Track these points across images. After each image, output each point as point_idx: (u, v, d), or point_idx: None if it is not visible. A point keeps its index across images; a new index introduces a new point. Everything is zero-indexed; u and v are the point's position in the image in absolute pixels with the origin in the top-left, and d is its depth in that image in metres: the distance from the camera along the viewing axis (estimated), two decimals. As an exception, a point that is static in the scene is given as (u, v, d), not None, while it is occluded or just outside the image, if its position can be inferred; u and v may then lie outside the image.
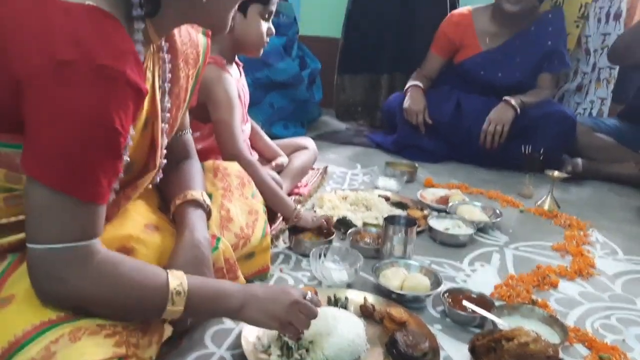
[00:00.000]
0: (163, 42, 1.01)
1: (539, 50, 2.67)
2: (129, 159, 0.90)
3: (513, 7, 2.58)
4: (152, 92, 0.98)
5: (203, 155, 1.66)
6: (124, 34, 0.79)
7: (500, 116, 2.54)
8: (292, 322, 0.98)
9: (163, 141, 1.06)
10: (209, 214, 1.18)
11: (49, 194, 0.75)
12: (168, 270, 0.90)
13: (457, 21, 2.80)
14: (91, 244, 0.80)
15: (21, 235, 0.84)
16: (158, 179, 1.11)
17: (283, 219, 1.64)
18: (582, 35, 2.94)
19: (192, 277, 0.92)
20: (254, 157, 1.74)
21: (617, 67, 2.93)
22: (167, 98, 1.04)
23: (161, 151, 1.05)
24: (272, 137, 2.05)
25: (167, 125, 1.05)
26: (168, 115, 1.05)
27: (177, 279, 0.89)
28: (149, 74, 0.97)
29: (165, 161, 1.09)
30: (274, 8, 1.66)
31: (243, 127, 1.75)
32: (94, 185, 0.78)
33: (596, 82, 2.99)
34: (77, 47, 0.71)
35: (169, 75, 1.03)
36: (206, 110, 1.62)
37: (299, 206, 1.62)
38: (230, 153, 1.59)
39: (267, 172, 1.68)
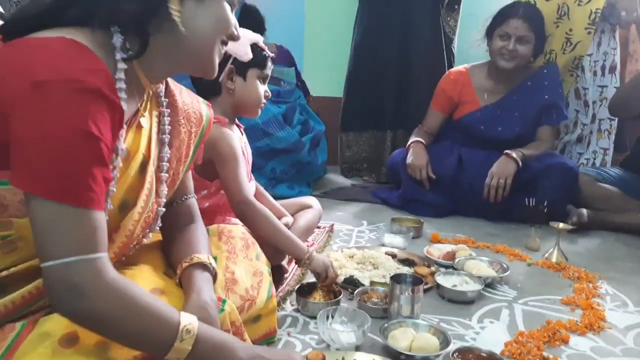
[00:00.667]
0: (163, 97, 1.09)
1: (536, 104, 2.73)
2: (114, 189, 0.94)
3: (508, 64, 2.67)
4: (148, 137, 1.04)
5: (210, 214, 1.71)
6: (95, 57, 0.84)
7: (502, 169, 2.57)
8: None
9: (162, 189, 1.11)
10: (215, 277, 1.19)
11: (47, 206, 0.78)
12: (181, 316, 0.92)
13: (455, 79, 2.88)
14: (102, 258, 0.83)
15: (23, 290, 0.87)
16: (157, 228, 1.14)
17: (295, 262, 1.67)
18: (580, 87, 3.01)
19: (202, 323, 0.95)
20: None
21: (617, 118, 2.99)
22: (166, 149, 1.09)
23: (160, 198, 1.10)
24: (277, 198, 2.08)
25: (166, 175, 1.10)
26: (167, 164, 1.09)
27: (189, 318, 0.92)
28: (146, 116, 1.04)
29: (163, 209, 1.12)
30: (269, 72, 1.78)
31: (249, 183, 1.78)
32: (85, 191, 0.80)
33: (597, 133, 3.04)
34: (52, 68, 0.78)
35: (168, 128, 1.10)
36: (212, 168, 1.66)
37: (311, 248, 1.63)
38: (239, 201, 1.62)
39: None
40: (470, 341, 1.46)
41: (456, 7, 3.36)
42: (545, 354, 1.38)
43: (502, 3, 2.82)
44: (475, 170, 2.68)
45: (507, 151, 2.60)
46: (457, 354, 1.32)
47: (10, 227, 0.87)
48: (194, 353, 0.90)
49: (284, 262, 1.79)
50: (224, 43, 1.05)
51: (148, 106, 1.06)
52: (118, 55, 0.91)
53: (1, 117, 0.78)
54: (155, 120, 1.08)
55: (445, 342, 1.37)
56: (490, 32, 2.74)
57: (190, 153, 1.20)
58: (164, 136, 1.09)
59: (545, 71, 2.79)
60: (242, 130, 1.87)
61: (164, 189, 1.11)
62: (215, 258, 1.27)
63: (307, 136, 3.02)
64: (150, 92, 1.06)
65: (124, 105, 0.90)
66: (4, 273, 0.87)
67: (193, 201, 1.30)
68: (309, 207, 2.12)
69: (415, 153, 2.78)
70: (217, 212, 1.77)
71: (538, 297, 1.78)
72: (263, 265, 1.40)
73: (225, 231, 1.42)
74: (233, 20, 1.03)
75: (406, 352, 1.32)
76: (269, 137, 2.84)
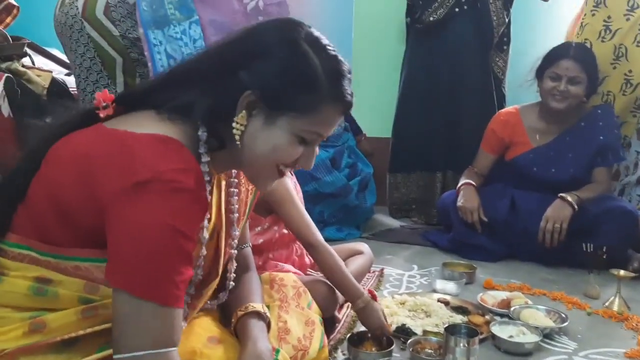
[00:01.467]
0: (233, 178, 1.13)
1: (591, 145, 2.65)
2: (202, 264, 1.01)
3: (559, 104, 2.61)
4: (217, 207, 1.09)
5: (263, 250, 1.74)
6: (189, 154, 0.89)
7: (557, 213, 2.50)
8: None
9: (232, 265, 1.16)
10: (269, 326, 1.20)
11: (132, 301, 0.81)
12: None
13: (505, 120, 2.84)
14: (171, 352, 0.84)
15: (100, 355, 0.90)
16: (224, 299, 1.17)
17: (350, 306, 1.68)
18: None
19: None
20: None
21: None
22: (235, 226, 1.13)
23: (222, 265, 1.13)
24: (326, 240, 2.08)
25: (236, 252, 1.15)
26: (235, 242, 1.13)
27: None
28: (215, 192, 1.08)
29: (232, 284, 1.16)
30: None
31: None
32: (172, 289, 0.83)
33: None
34: (149, 169, 0.82)
35: (236, 207, 1.13)
36: (265, 204, 1.69)
37: (368, 296, 1.61)
38: (307, 241, 1.65)
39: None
40: (530, 397, 1.41)
41: (505, 47, 3.34)
42: (610, 413, 1.32)
43: (551, 42, 2.79)
44: (529, 214, 2.61)
45: (561, 194, 2.54)
46: (516, 411, 1.27)
47: (96, 292, 0.91)
48: None
49: (336, 311, 1.78)
50: (283, 170, 1.02)
51: (218, 181, 1.11)
52: (202, 149, 0.95)
53: (99, 208, 0.84)
54: (223, 190, 1.13)
55: (503, 397, 1.33)
56: (540, 73, 2.70)
57: (247, 209, 1.24)
58: (232, 215, 1.14)
59: (599, 111, 2.71)
60: (291, 172, 1.90)
61: (234, 265, 1.18)
62: (267, 307, 1.28)
63: (355, 179, 3.02)
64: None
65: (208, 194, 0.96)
66: (80, 333, 0.90)
67: (248, 250, 1.32)
68: (360, 252, 2.12)
69: (466, 195, 2.74)
70: (271, 248, 1.79)
71: (600, 349, 1.70)
72: (315, 314, 1.41)
73: (277, 279, 1.45)
74: (296, 153, 0.98)
75: (463, 408, 1.28)
76: (317, 182, 2.87)
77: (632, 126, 2.90)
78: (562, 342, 1.75)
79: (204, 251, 1.02)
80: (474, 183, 2.80)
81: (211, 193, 1.06)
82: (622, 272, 2.05)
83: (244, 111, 0.94)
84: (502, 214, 2.68)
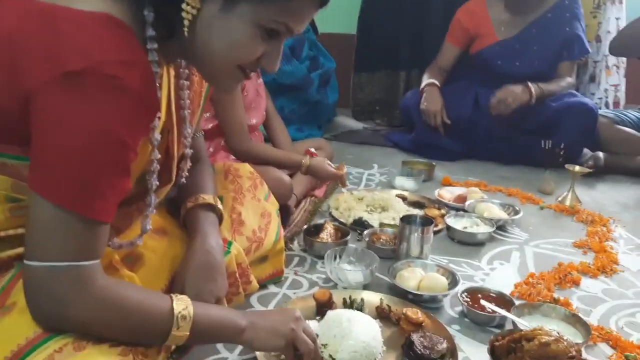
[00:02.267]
0: (182, 68, 0.98)
1: (557, 38, 2.62)
2: (157, 166, 0.90)
3: None
4: (167, 103, 0.96)
5: (214, 135, 1.71)
6: (136, 43, 0.76)
7: (512, 92, 2.51)
8: (297, 339, 0.94)
9: (184, 164, 1.07)
10: (220, 218, 1.16)
11: (53, 210, 0.72)
12: (173, 295, 0.85)
13: (472, 10, 2.77)
14: (93, 266, 0.76)
15: (15, 251, 0.84)
16: (172, 194, 1.11)
17: (308, 201, 1.77)
18: (596, 22, 2.90)
19: (197, 303, 0.87)
20: None
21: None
22: (187, 124, 1.01)
23: (177, 167, 1.04)
24: (286, 140, 2.05)
25: (189, 150, 1.05)
26: (189, 140, 1.03)
27: (183, 303, 0.84)
28: (164, 85, 0.95)
29: (183, 180, 1.08)
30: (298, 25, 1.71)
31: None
32: (101, 203, 0.75)
33: (605, 70, 2.94)
34: (85, 57, 0.69)
35: (188, 102, 1.00)
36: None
37: (307, 157, 1.71)
38: (231, 147, 1.71)
39: None
40: (480, 282, 1.44)
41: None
42: (555, 295, 1.36)
43: None
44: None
45: (527, 82, 2.52)
46: (465, 293, 1.30)
47: (26, 192, 0.80)
48: (193, 335, 0.84)
49: (291, 203, 1.76)
50: (247, 70, 0.88)
51: (166, 72, 0.96)
52: (149, 32, 0.79)
53: (24, 97, 0.71)
54: (172, 83, 0.98)
55: (453, 282, 1.36)
56: None
57: (202, 101, 1.13)
58: (184, 112, 1.00)
59: (566, 2, 2.64)
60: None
61: (188, 164, 1.08)
62: (221, 198, 1.24)
63: (316, 72, 2.90)
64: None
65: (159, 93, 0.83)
66: (11, 232, 0.83)
67: (201, 139, 1.25)
68: (319, 149, 2.09)
69: (429, 97, 2.69)
70: (219, 135, 1.74)
71: (550, 240, 1.75)
72: (271, 205, 1.38)
73: (232, 169, 1.38)
74: (257, 50, 0.84)
75: (414, 291, 1.30)
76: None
77: (594, 31, 2.87)
78: (514, 234, 1.78)
79: (156, 154, 0.88)
80: (437, 83, 2.75)
81: (160, 87, 0.92)
82: (577, 168, 2.08)
83: None
84: (466, 112, 2.66)
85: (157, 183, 0.91)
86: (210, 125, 1.68)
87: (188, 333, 0.83)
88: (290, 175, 1.83)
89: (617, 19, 2.91)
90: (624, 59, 2.92)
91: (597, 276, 1.50)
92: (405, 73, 3.33)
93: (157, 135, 0.87)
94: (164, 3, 0.79)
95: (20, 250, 0.83)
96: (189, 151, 1.06)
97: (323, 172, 1.72)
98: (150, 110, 0.79)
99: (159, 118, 0.88)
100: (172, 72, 0.97)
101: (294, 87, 2.79)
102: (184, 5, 0.78)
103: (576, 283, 1.45)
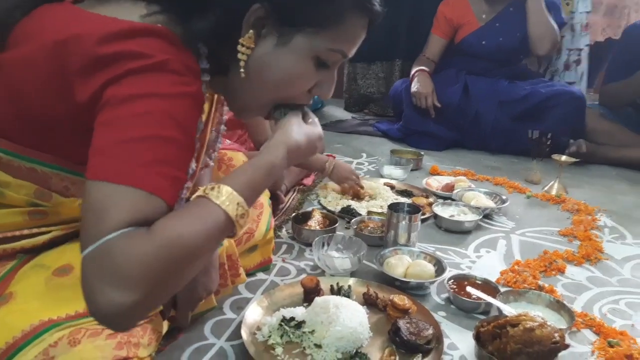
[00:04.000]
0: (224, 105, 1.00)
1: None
2: (187, 193, 0.82)
3: None
4: (206, 120, 0.95)
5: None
6: (193, 59, 0.73)
7: None
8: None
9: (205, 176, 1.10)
10: None
11: (111, 186, 0.63)
12: (211, 196, 0.70)
13: (453, 2, 2.81)
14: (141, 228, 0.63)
15: (35, 240, 0.84)
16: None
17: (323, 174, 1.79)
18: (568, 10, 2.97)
19: (235, 179, 0.73)
20: None
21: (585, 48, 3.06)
22: (219, 139, 1.04)
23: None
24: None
25: (212, 163, 1.09)
26: (215, 154, 1.07)
27: (232, 203, 0.70)
28: (206, 106, 0.95)
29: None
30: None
31: None
32: (163, 181, 0.66)
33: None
34: (154, 57, 0.67)
35: (225, 118, 1.03)
36: None
37: (330, 159, 1.70)
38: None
39: None
40: (466, 269, 1.45)
41: None
42: (540, 282, 1.38)
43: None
44: (481, 97, 2.64)
45: None
46: (452, 281, 1.31)
47: (48, 199, 0.81)
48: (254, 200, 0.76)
49: (281, 192, 1.76)
50: (276, 108, 0.85)
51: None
52: (203, 64, 0.77)
53: (75, 108, 0.68)
54: (215, 101, 0.98)
55: (440, 269, 1.36)
56: None
57: None
58: (221, 127, 1.03)
59: None
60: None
61: (209, 177, 1.11)
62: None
63: None
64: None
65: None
66: (25, 232, 0.82)
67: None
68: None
69: (420, 81, 2.71)
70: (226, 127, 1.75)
71: (536, 228, 1.76)
72: (264, 195, 1.37)
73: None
74: (312, 80, 0.82)
75: (401, 278, 1.31)
76: None
77: (565, 9, 2.90)
78: (501, 222, 1.80)
79: (193, 165, 0.79)
80: (427, 69, 2.77)
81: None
82: (563, 158, 2.10)
83: (251, 30, 0.76)
84: (455, 98, 2.68)
85: (187, 193, 0.83)
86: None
87: (248, 219, 0.74)
88: None
89: (587, 12, 2.97)
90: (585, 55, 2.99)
91: (582, 264, 1.52)
92: (401, 63, 3.32)
93: (194, 165, 0.81)
94: (217, 41, 0.77)
95: (24, 242, 0.83)
96: (210, 162, 1.07)
97: (346, 173, 1.75)
98: (201, 111, 0.75)
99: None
100: (216, 95, 0.98)
101: None
102: (239, 47, 0.76)
103: (561, 270, 1.47)
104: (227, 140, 1.70)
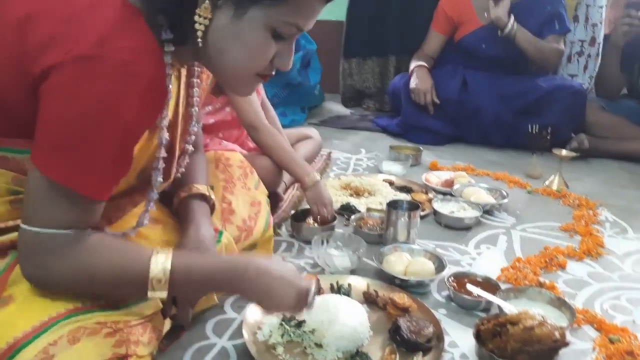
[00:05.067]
0: (196, 67, 0.98)
1: (538, 18, 2.62)
2: (163, 164, 0.89)
3: None
4: (175, 100, 0.95)
5: (214, 130, 1.68)
6: (150, 33, 0.76)
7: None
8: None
9: (182, 160, 1.05)
10: (213, 208, 1.16)
11: (51, 185, 0.73)
12: (154, 252, 0.82)
13: None
14: (81, 232, 0.78)
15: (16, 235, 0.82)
16: (166, 188, 1.10)
17: (301, 186, 1.64)
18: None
19: (184, 256, 0.85)
20: None
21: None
22: (194, 121, 1.01)
23: (177, 165, 1.03)
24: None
25: (190, 147, 1.04)
26: (193, 137, 1.03)
27: (160, 264, 0.81)
28: (174, 83, 0.94)
29: (179, 176, 1.07)
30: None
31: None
32: (99, 182, 0.76)
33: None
34: (100, 42, 0.69)
35: (197, 100, 1.00)
36: (217, 86, 1.61)
37: (317, 175, 1.60)
38: (249, 122, 1.60)
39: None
40: (467, 266, 1.45)
41: None
42: (541, 279, 1.37)
43: None
44: (480, 92, 2.62)
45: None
46: (452, 278, 1.31)
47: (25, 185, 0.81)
48: (174, 292, 0.83)
49: (280, 190, 1.75)
50: (262, 77, 0.88)
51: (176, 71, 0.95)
52: (165, 35, 0.79)
53: (32, 85, 0.72)
54: (183, 82, 0.97)
55: (440, 267, 1.36)
56: None
57: (203, 98, 1.12)
58: (193, 109, 1.00)
59: None
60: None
61: (185, 161, 1.06)
62: (211, 187, 1.23)
63: (297, 54, 2.88)
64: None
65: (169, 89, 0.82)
66: (10, 223, 0.83)
67: (199, 131, 1.24)
68: (308, 137, 2.07)
69: (419, 77, 2.69)
70: (222, 127, 1.73)
71: (537, 223, 1.76)
72: (261, 194, 1.36)
73: (222, 159, 1.37)
74: (270, 51, 0.83)
75: (401, 277, 1.30)
76: None
77: (572, 11, 2.87)
78: (501, 218, 1.79)
79: (163, 152, 0.88)
80: (426, 65, 2.75)
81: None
82: (564, 152, 2.09)
83: (207, 1, 0.77)
84: (454, 94, 2.66)
85: (161, 180, 0.91)
86: (211, 121, 1.67)
87: (166, 293, 0.82)
88: None
89: (600, 7, 2.92)
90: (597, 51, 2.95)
91: (583, 259, 1.52)
92: (395, 58, 3.31)
93: (166, 134, 0.87)
94: (175, 11, 0.78)
95: (12, 236, 0.83)
96: (189, 147, 1.05)
97: (322, 199, 1.57)
98: (160, 99, 0.79)
99: (166, 116, 0.87)
100: (183, 71, 0.97)
101: None
102: (196, 17, 0.78)
103: (562, 267, 1.46)
104: (224, 142, 1.70)
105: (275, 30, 0.81)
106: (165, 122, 0.87)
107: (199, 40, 0.79)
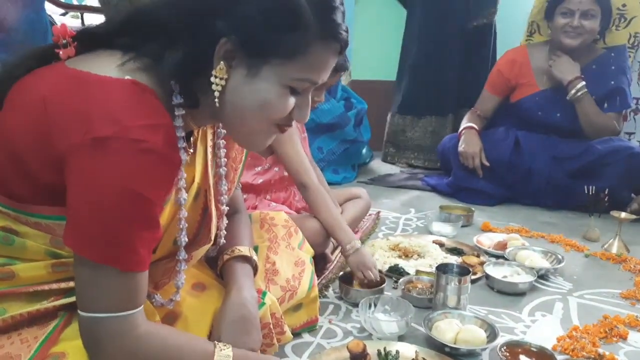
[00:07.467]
0: (221, 128, 1.04)
1: (600, 90, 2.55)
2: (185, 224, 0.94)
3: (573, 41, 2.51)
4: (204, 164, 1.01)
5: (262, 191, 1.71)
6: (160, 107, 0.79)
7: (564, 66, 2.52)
8: None
9: (222, 223, 1.10)
10: (255, 269, 1.18)
11: (88, 264, 0.76)
12: (216, 343, 0.90)
13: (513, 59, 2.74)
14: (132, 316, 0.80)
15: (66, 300, 0.87)
16: (213, 253, 1.15)
17: (341, 251, 1.63)
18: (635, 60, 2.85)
19: (238, 351, 0.92)
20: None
21: None
22: (224, 181, 1.06)
23: (215, 228, 1.07)
24: (323, 184, 2.05)
25: (227, 208, 1.08)
26: (226, 197, 1.07)
27: (225, 353, 0.88)
28: (199, 147, 1.00)
29: (223, 240, 1.11)
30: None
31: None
32: (132, 255, 0.78)
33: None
34: (112, 123, 0.73)
35: (224, 160, 1.05)
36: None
37: (358, 242, 1.59)
38: (300, 180, 1.63)
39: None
40: (520, 335, 1.39)
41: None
42: (600, 350, 1.30)
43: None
44: (533, 154, 2.57)
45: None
46: (505, 347, 1.25)
47: (63, 247, 0.85)
48: None
49: (328, 251, 1.76)
50: (281, 125, 0.91)
51: (202, 132, 1.02)
52: (176, 100, 0.84)
53: (58, 161, 0.76)
54: (210, 145, 1.03)
55: (492, 335, 1.31)
56: (550, 12, 2.58)
57: (243, 158, 1.17)
58: (220, 169, 1.05)
59: (612, 54, 2.61)
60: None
61: (224, 222, 1.11)
62: (256, 248, 1.26)
63: (352, 111, 2.96)
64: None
65: (182, 154, 0.86)
66: (54, 287, 0.87)
67: (238, 192, 1.28)
68: (357, 197, 2.09)
69: (467, 140, 2.68)
70: (270, 188, 1.77)
71: (595, 290, 1.68)
72: (305, 254, 1.37)
73: (267, 219, 1.41)
74: (287, 106, 0.87)
75: (451, 344, 1.26)
76: (314, 111, 2.78)
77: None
78: (557, 283, 1.72)
79: (184, 213, 0.93)
80: (475, 127, 2.74)
81: (194, 149, 0.99)
82: (623, 215, 2.01)
83: (222, 62, 0.81)
84: (506, 155, 2.62)
85: (186, 240, 0.96)
86: (260, 181, 1.72)
87: None
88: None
89: None
90: None
91: (647, 330, 1.43)
92: (453, 118, 3.32)
93: (184, 195, 0.92)
94: (190, 76, 0.83)
95: (64, 300, 0.87)
96: (225, 208, 1.09)
97: (366, 264, 1.56)
98: (172, 168, 0.82)
99: (185, 179, 0.92)
100: (209, 132, 1.02)
101: (333, 126, 2.85)
102: (212, 78, 0.82)
103: (623, 337, 1.38)
104: (273, 203, 1.73)
105: (289, 86, 0.85)
106: (183, 183, 0.91)
107: (216, 100, 0.83)
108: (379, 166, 3.36)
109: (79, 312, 0.79)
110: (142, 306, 0.82)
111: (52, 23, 2.42)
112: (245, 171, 1.78)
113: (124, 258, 0.77)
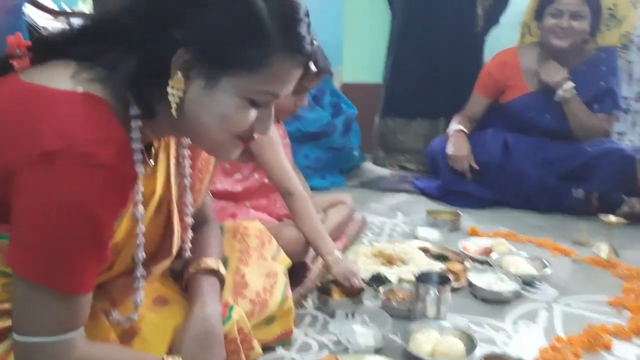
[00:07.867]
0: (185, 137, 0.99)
1: (590, 91, 2.50)
2: (143, 239, 0.89)
3: (562, 42, 2.46)
4: (166, 175, 0.97)
5: (242, 198, 1.67)
6: (113, 120, 0.76)
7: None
8: None
9: (187, 235, 1.06)
10: (223, 282, 1.13)
11: (29, 285, 0.72)
12: (165, 357, 0.86)
13: (503, 61, 2.70)
14: (67, 341, 0.76)
15: (9, 323, 0.82)
16: (178, 268, 1.11)
17: (322, 262, 1.60)
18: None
19: None
20: None
21: None
22: (188, 194, 1.02)
23: (178, 241, 1.03)
24: (310, 189, 2.01)
25: (192, 221, 1.04)
26: (191, 209, 1.03)
27: None
28: (161, 157, 0.97)
29: (189, 253, 1.07)
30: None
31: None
32: (74, 276, 0.74)
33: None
34: (61, 138, 0.70)
35: (189, 171, 1.01)
36: (246, 150, 1.61)
37: (339, 252, 1.56)
38: (284, 187, 1.59)
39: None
40: (502, 345, 1.35)
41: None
42: (583, 362, 1.26)
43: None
44: (523, 157, 2.52)
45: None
46: (483, 360, 1.22)
47: None
48: None
49: (308, 260, 1.71)
50: (244, 139, 0.88)
51: (164, 144, 0.98)
52: (133, 111, 0.81)
53: (7, 174, 0.72)
54: (173, 156, 0.99)
55: (471, 346, 1.27)
56: (540, 13, 2.54)
57: (211, 168, 1.13)
58: (185, 180, 1.01)
59: (603, 55, 2.57)
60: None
61: (189, 235, 1.07)
62: (226, 259, 1.22)
63: (340, 118, 2.91)
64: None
65: (138, 167, 0.82)
66: (7, 305, 0.83)
67: (207, 200, 1.23)
68: (341, 202, 2.05)
69: (456, 143, 2.63)
70: (250, 197, 1.72)
71: (582, 296, 1.64)
72: (278, 265, 1.32)
73: (240, 228, 1.35)
74: (248, 119, 0.83)
75: (427, 358, 1.22)
76: (299, 121, 2.73)
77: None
78: (543, 290, 1.68)
79: (141, 228, 0.89)
80: (464, 130, 2.69)
81: (155, 160, 0.95)
82: (612, 218, 1.97)
83: (179, 73, 0.78)
84: (495, 157, 2.57)
85: (144, 256, 0.91)
86: (239, 188, 1.68)
87: None
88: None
89: None
90: None
91: (632, 339, 1.39)
92: (445, 121, 3.27)
93: (141, 209, 0.87)
94: (144, 85, 0.80)
95: (9, 322, 0.82)
96: (190, 220, 1.05)
97: (348, 274, 1.52)
98: (125, 184, 0.78)
99: (143, 193, 0.88)
100: (173, 143, 0.98)
101: (319, 135, 2.80)
102: (169, 89, 0.78)
103: (607, 347, 1.34)
104: (252, 210, 1.69)
105: (249, 99, 0.82)
106: (140, 197, 0.87)
107: (174, 111, 0.80)
108: (370, 169, 3.31)
109: (14, 335, 0.75)
110: (82, 327, 0.78)
111: (36, 29, 2.38)
112: (224, 178, 1.74)
113: (65, 279, 0.73)
